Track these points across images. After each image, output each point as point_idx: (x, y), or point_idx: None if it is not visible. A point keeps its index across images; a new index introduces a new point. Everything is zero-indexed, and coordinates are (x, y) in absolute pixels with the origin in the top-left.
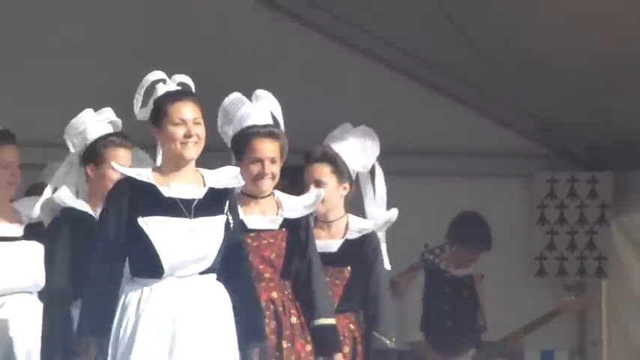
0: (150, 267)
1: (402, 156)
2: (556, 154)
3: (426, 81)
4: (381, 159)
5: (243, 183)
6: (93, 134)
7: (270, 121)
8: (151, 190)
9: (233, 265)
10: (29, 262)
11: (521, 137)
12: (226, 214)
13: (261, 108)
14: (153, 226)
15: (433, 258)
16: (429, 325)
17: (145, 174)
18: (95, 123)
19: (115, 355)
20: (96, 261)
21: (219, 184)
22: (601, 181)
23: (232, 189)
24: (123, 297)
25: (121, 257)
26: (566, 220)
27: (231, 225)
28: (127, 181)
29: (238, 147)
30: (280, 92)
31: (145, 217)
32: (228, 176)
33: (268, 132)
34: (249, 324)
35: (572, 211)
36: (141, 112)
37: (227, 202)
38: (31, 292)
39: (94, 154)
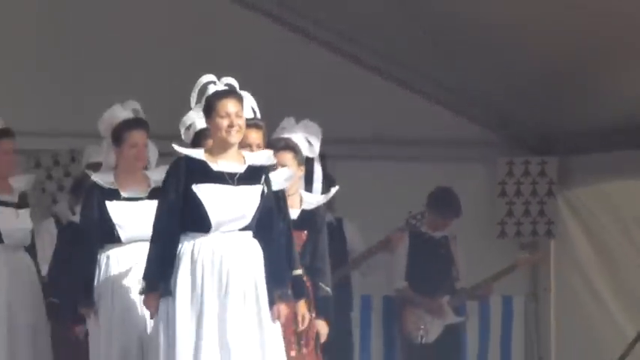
0: (201, 224)
1: (386, 145)
2: (513, 143)
3: (405, 82)
4: (367, 147)
5: (275, 162)
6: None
7: (252, 115)
8: (202, 165)
9: (266, 226)
10: (150, 216)
11: (485, 129)
12: (262, 184)
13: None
14: (204, 191)
15: (415, 222)
16: (412, 275)
17: (198, 153)
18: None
19: (174, 289)
20: (160, 219)
21: (257, 162)
22: (549, 163)
23: (268, 166)
24: (179, 248)
25: (179, 216)
26: (522, 194)
27: (266, 193)
28: (184, 159)
29: None
30: (253, 84)
31: (197, 185)
32: (264, 157)
33: (254, 124)
34: (275, 274)
35: (526, 186)
36: (196, 107)
37: (263, 176)
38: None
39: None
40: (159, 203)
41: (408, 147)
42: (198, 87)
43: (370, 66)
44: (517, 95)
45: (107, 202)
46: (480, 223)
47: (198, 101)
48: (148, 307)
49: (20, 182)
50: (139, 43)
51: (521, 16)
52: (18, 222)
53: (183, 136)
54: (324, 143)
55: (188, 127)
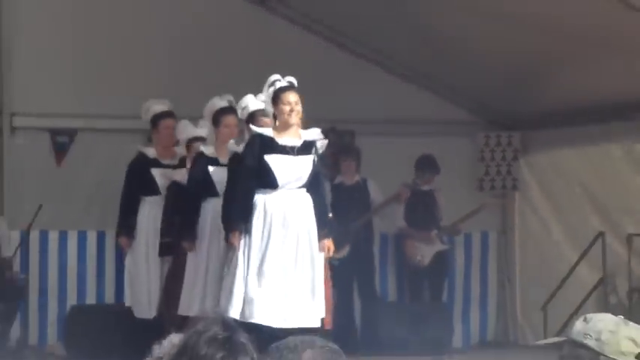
0: (270, 184)
1: (397, 124)
2: (489, 122)
3: (411, 79)
4: (384, 126)
5: (322, 137)
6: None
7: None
8: (271, 140)
9: (315, 184)
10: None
11: (468, 113)
12: (314, 154)
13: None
14: (272, 160)
15: (418, 181)
16: (408, 217)
17: (268, 132)
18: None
19: (250, 229)
20: (241, 179)
21: (310, 138)
22: (514, 136)
23: (316, 140)
24: (254, 200)
25: (255, 177)
26: (495, 159)
27: (315, 161)
28: (258, 135)
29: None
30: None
31: (268, 155)
32: (315, 134)
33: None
34: (321, 218)
35: (498, 153)
36: (259, 95)
37: (314, 148)
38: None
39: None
40: (240, 168)
41: (413, 126)
42: (269, 82)
43: (386, 66)
44: (491, 87)
45: (209, 167)
46: (464, 179)
47: (265, 92)
48: (232, 242)
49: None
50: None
51: (491, 31)
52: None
53: (239, 114)
54: (351, 123)
55: (243, 108)
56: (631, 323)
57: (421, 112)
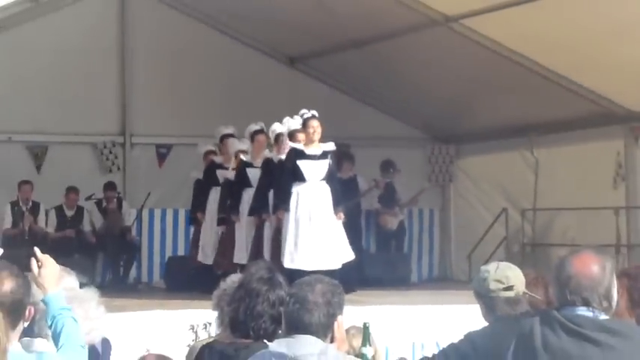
0: (301, 179)
1: (367, 140)
2: (434, 138)
3: (375, 105)
4: (359, 141)
5: (334, 148)
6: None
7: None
8: (301, 151)
9: (330, 179)
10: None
11: (419, 131)
12: (329, 159)
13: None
14: (302, 164)
15: (391, 176)
16: (381, 200)
17: (299, 146)
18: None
19: (289, 209)
20: (284, 177)
21: (327, 149)
22: (450, 147)
23: (333, 150)
24: (291, 190)
25: (292, 175)
26: (438, 162)
27: (330, 164)
28: (293, 149)
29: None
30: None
31: (299, 160)
32: (330, 146)
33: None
34: (336, 201)
35: (440, 158)
36: (285, 121)
37: (329, 155)
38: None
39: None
40: (283, 169)
41: (379, 141)
42: (301, 113)
43: (368, 101)
44: (435, 111)
45: (247, 169)
46: (418, 175)
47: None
48: (281, 217)
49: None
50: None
51: (438, 75)
52: None
53: (270, 135)
54: (345, 139)
55: (272, 131)
56: (500, 268)
57: (389, 131)
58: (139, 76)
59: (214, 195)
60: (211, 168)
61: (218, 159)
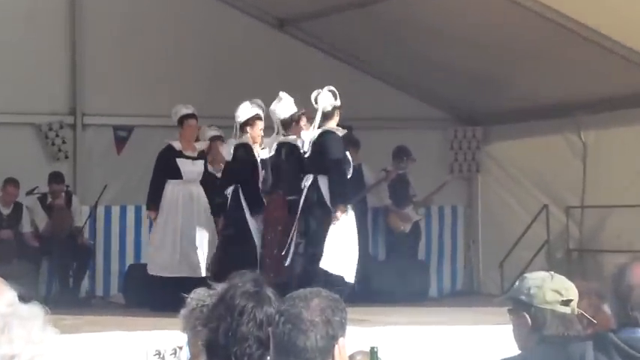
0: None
1: (385, 121)
2: (457, 119)
3: (396, 85)
4: (364, 122)
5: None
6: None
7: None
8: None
9: (329, 165)
10: None
11: (441, 111)
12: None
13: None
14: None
15: (404, 166)
16: (392, 196)
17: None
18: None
19: None
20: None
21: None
22: (477, 130)
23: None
24: None
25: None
26: (462, 148)
27: (329, 146)
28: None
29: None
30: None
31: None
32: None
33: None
34: (340, 192)
35: (464, 144)
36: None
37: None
38: None
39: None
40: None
41: (389, 122)
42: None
43: (377, 75)
44: (459, 91)
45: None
46: (438, 165)
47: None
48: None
49: (200, 146)
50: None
51: (459, 49)
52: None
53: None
54: (347, 120)
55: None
56: (557, 277)
57: (402, 111)
58: (93, 43)
59: (171, 189)
60: (167, 156)
61: (177, 145)
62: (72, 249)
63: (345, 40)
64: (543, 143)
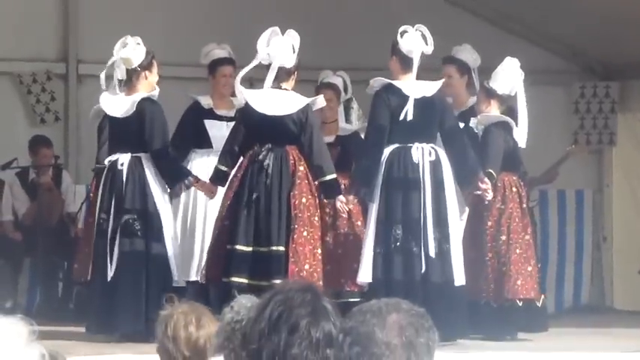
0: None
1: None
2: (585, 71)
3: (507, 28)
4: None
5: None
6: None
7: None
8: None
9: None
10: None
11: (564, 61)
12: None
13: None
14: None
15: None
16: None
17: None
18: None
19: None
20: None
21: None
22: (612, 87)
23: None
24: None
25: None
26: (590, 111)
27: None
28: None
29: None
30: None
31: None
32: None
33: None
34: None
35: (594, 105)
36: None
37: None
38: None
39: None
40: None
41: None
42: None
43: (475, 11)
44: (587, 34)
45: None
46: (558, 133)
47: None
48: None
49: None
50: None
51: None
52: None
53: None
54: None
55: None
56: None
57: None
58: None
59: (198, 160)
60: (194, 115)
61: (206, 101)
62: (62, 243)
63: None
64: None
